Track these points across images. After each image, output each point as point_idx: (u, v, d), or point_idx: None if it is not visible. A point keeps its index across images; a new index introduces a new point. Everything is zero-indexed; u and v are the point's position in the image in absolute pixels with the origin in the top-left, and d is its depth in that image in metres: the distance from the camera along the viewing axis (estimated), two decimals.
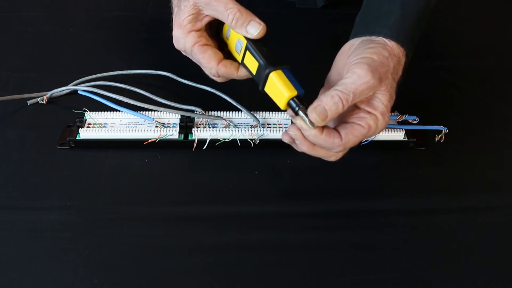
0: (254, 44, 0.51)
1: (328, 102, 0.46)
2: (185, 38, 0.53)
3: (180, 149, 0.61)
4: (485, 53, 0.79)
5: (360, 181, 0.59)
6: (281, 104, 0.49)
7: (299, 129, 0.49)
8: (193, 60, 0.55)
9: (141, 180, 0.58)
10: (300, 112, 0.48)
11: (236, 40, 0.52)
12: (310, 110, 0.47)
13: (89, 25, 0.82)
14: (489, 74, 0.75)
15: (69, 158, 0.60)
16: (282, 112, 0.63)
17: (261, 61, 0.50)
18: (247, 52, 0.51)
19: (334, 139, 0.48)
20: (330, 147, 0.49)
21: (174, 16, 0.54)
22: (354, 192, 0.57)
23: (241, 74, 0.53)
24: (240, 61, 0.53)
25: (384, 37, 0.51)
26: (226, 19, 0.51)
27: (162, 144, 0.61)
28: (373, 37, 0.51)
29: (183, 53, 0.55)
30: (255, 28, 0.50)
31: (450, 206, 0.56)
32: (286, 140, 0.51)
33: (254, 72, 0.51)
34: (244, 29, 0.50)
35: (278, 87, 0.49)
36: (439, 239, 0.53)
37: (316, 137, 0.48)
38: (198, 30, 0.53)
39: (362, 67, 0.47)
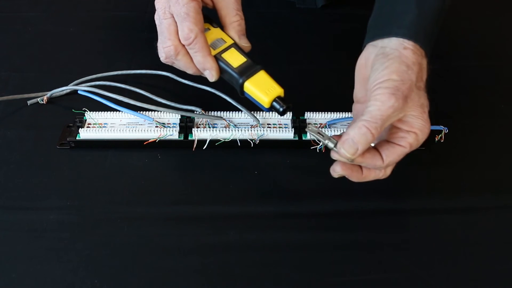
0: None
1: (356, 135, 0.46)
2: None
3: (180, 149, 0.61)
4: (485, 53, 0.79)
5: None
6: (268, 99, 0.51)
7: (343, 167, 0.49)
8: (167, 24, 0.53)
9: (141, 180, 0.58)
10: (334, 147, 0.48)
11: (216, 38, 0.55)
12: (339, 145, 0.47)
13: (89, 25, 0.82)
14: (489, 74, 0.74)
15: (69, 158, 0.60)
16: None
17: (249, 59, 0.53)
18: (232, 48, 0.54)
19: (376, 161, 0.48)
20: (373, 167, 0.50)
21: None
22: (354, 192, 0.57)
23: (212, 61, 0.54)
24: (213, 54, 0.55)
25: (402, 37, 0.49)
26: (231, 17, 0.53)
27: (162, 144, 0.61)
28: (387, 50, 0.49)
29: (162, 11, 0.53)
30: (247, 42, 0.55)
31: (450, 206, 0.56)
32: (336, 176, 0.50)
33: (235, 66, 0.53)
34: (240, 35, 0.55)
35: (270, 81, 0.52)
36: (439, 239, 0.53)
37: (359, 162, 0.48)
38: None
39: (384, 91, 0.46)
